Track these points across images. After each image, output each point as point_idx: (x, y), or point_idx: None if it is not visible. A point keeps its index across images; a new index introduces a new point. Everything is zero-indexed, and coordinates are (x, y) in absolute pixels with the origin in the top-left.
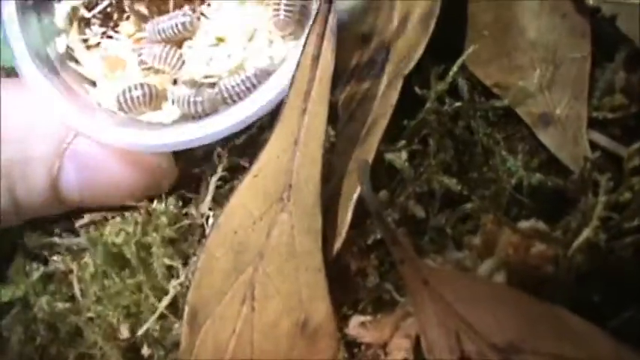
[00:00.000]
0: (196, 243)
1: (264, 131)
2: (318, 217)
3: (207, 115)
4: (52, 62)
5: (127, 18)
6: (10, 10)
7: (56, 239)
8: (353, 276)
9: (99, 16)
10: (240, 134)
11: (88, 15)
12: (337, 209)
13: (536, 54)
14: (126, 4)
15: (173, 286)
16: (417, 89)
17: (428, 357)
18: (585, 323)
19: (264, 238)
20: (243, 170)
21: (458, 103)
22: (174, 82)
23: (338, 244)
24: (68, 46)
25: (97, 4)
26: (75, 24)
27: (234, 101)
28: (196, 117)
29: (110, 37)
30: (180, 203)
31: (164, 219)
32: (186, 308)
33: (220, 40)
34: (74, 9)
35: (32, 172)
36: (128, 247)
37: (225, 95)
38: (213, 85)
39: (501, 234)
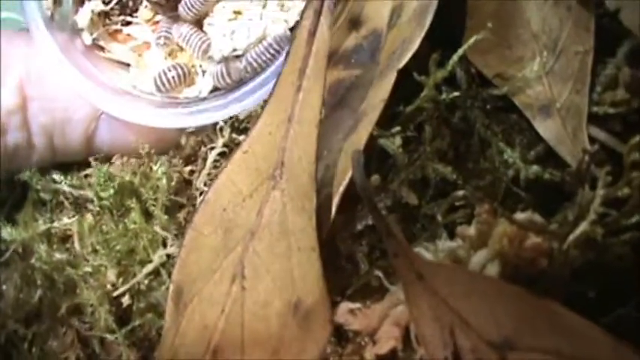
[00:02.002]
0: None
1: None
2: (312, 196)
3: (237, 85)
4: (80, 55)
5: (143, 5)
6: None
7: (64, 186)
8: (342, 262)
9: (116, 7)
10: None
11: (106, 9)
12: (328, 192)
13: (538, 46)
14: None
15: (159, 256)
16: (415, 75)
17: (420, 351)
18: (581, 319)
19: (255, 215)
20: None
21: (456, 93)
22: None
23: (327, 228)
24: (94, 39)
25: None
26: (96, 18)
27: (262, 69)
28: (228, 88)
29: (130, 22)
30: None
31: (163, 182)
32: (171, 286)
33: (237, 13)
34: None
35: (71, 130)
36: (128, 193)
37: (255, 66)
38: (239, 57)
39: (496, 225)
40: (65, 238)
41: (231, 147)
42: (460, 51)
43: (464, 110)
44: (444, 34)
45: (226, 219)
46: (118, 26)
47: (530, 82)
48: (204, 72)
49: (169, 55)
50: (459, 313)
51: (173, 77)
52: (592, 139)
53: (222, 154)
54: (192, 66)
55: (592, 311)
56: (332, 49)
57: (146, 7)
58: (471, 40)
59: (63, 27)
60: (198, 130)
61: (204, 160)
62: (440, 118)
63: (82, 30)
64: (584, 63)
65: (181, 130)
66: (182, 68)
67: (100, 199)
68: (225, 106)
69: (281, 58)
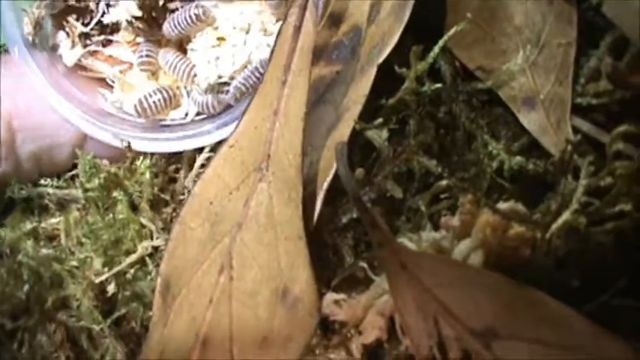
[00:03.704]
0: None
1: None
2: (298, 187)
3: (224, 109)
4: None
5: (125, 28)
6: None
7: (49, 189)
8: (328, 254)
9: (96, 27)
10: None
11: (85, 30)
12: (314, 187)
13: (521, 39)
14: (123, 22)
15: (144, 247)
16: (396, 67)
17: (405, 341)
18: (564, 308)
19: (242, 207)
20: None
21: (438, 85)
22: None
23: (312, 222)
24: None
25: (92, 19)
26: (76, 40)
27: (249, 93)
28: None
29: (110, 41)
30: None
31: (146, 177)
32: (159, 279)
33: (221, 39)
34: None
35: (58, 155)
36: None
37: (243, 90)
38: (224, 84)
39: (480, 214)
40: (52, 236)
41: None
42: (440, 42)
43: (448, 104)
44: (428, 29)
45: (213, 212)
46: (99, 47)
47: (513, 74)
48: (188, 93)
49: (152, 74)
50: (442, 303)
51: (157, 101)
52: (575, 130)
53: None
54: (177, 87)
55: (575, 299)
56: (314, 46)
57: (126, 29)
58: (452, 31)
59: (44, 50)
60: None
61: (191, 158)
62: (424, 112)
63: (61, 52)
64: (567, 55)
65: None
66: (166, 91)
67: (86, 190)
68: (213, 131)
69: None
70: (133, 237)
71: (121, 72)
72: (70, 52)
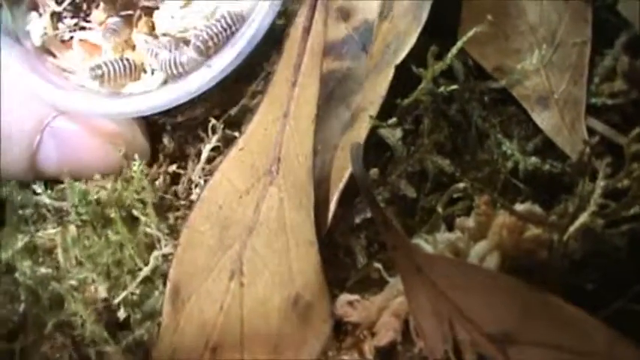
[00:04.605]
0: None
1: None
2: (309, 191)
3: (189, 73)
4: (30, 51)
5: (97, 6)
6: None
7: (44, 198)
8: (341, 255)
9: (69, 8)
10: (233, 104)
11: (58, 9)
12: (326, 188)
13: (535, 38)
14: None
15: (155, 257)
16: (413, 68)
17: (419, 343)
18: (581, 312)
19: (252, 212)
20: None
21: (454, 86)
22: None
23: (326, 224)
24: (44, 42)
25: None
26: (48, 19)
27: (214, 45)
28: (179, 77)
29: (83, 28)
30: (168, 180)
31: (145, 182)
32: (168, 285)
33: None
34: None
35: (13, 145)
36: (109, 204)
37: (205, 38)
38: (187, 42)
39: (495, 216)
40: (49, 249)
41: (226, 142)
42: (459, 44)
43: (461, 102)
44: (439, 24)
45: (223, 216)
46: (71, 33)
47: (528, 73)
48: (153, 70)
49: (122, 51)
50: (457, 306)
51: (116, 68)
52: (590, 131)
53: (215, 149)
54: (141, 63)
55: (590, 303)
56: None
57: (98, 7)
58: (470, 33)
59: (14, 29)
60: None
61: (198, 156)
62: (437, 111)
63: (30, 30)
64: (582, 54)
65: (128, 150)
66: (127, 61)
67: (79, 214)
68: (173, 94)
69: (230, 43)
70: (133, 255)
71: (90, 53)
72: (39, 31)
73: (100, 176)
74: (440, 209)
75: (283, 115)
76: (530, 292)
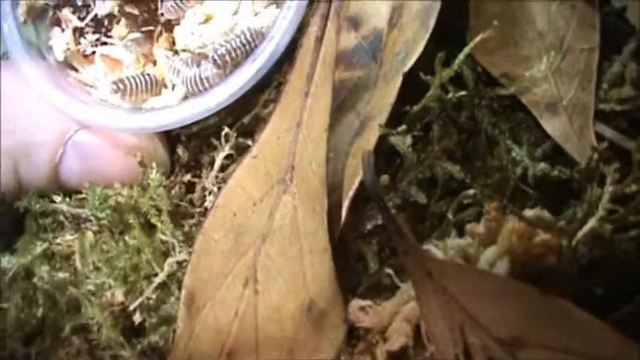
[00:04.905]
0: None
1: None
2: (323, 199)
3: (209, 89)
4: (53, 66)
5: (118, 22)
6: (6, 10)
7: (63, 206)
8: (352, 261)
9: (91, 24)
10: (246, 112)
11: (81, 25)
12: (338, 195)
13: (544, 44)
14: (115, 9)
15: (169, 264)
16: (421, 75)
17: (430, 348)
18: (590, 317)
19: (266, 219)
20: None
21: (462, 92)
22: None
23: (339, 231)
24: (67, 56)
25: (87, 13)
26: (70, 34)
27: (232, 60)
28: (200, 93)
29: (105, 43)
30: (184, 189)
31: (161, 190)
32: (183, 291)
33: (209, 17)
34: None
35: (36, 156)
36: (127, 210)
37: (223, 53)
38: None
39: (505, 222)
40: (67, 255)
41: (239, 150)
42: (466, 50)
43: (471, 109)
44: (447, 30)
45: (237, 223)
46: (93, 48)
47: (536, 80)
48: (174, 86)
49: (143, 66)
50: (468, 311)
51: (137, 82)
52: (598, 136)
53: (228, 157)
54: (162, 79)
55: (599, 308)
56: None
57: (119, 22)
58: (477, 39)
59: (37, 44)
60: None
61: (212, 164)
62: (447, 117)
63: (53, 45)
64: (590, 60)
65: (150, 160)
66: (149, 76)
67: (98, 219)
68: (194, 110)
69: (249, 60)
70: (150, 260)
71: (111, 68)
72: (62, 46)
73: (120, 184)
74: (450, 215)
75: (296, 124)
76: (539, 297)
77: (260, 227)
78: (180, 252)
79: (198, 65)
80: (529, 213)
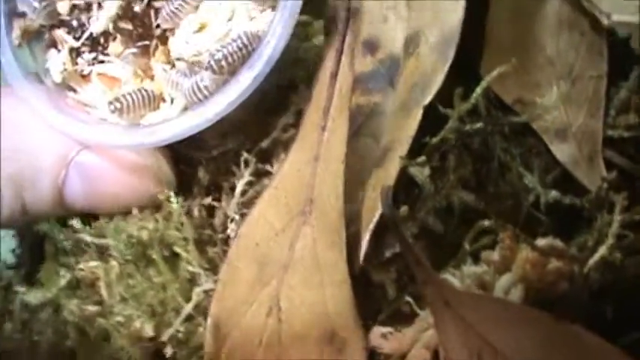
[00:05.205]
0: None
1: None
2: (341, 231)
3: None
4: (51, 88)
5: (114, 39)
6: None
7: (85, 236)
8: (373, 288)
9: (87, 42)
10: (264, 136)
11: (76, 44)
12: (357, 225)
13: (554, 71)
14: (110, 25)
15: (196, 293)
16: (440, 108)
17: None
18: (601, 341)
19: (287, 250)
20: (268, 175)
21: (479, 124)
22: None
23: (359, 261)
24: (64, 77)
25: (83, 32)
26: (66, 54)
27: (229, 65)
28: (199, 103)
29: (102, 61)
30: (204, 212)
31: (184, 218)
32: (209, 320)
33: (203, 25)
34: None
35: (40, 181)
36: (151, 244)
37: (218, 58)
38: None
39: (519, 250)
40: (92, 282)
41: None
42: (483, 83)
43: (484, 136)
44: (460, 57)
45: (260, 253)
46: (90, 67)
47: (548, 109)
48: (172, 99)
49: (141, 82)
50: (485, 339)
51: (134, 98)
52: (607, 162)
53: (249, 183)
54: (160, 93)
55: (610, 331)
56: None
57: (115, 39)
58: (494, 73)
59: (35, 67)
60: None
61: (232, 190)
62: (462, 146)
63: (49, 67)
64: (599, 87)
65: (160, 184)
66: (145, 91)
67: (121, 252)
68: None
69: (247, 65)
70: (175, 295)
71: (109, 86)
72: (58, 67)
73: (138, 211)
74: (467, 246)
75: (314, 158)
76: (553, 323)
77: (282, 258)
78: (206, 281)
79: (195, 74)
80: (542, 242)
